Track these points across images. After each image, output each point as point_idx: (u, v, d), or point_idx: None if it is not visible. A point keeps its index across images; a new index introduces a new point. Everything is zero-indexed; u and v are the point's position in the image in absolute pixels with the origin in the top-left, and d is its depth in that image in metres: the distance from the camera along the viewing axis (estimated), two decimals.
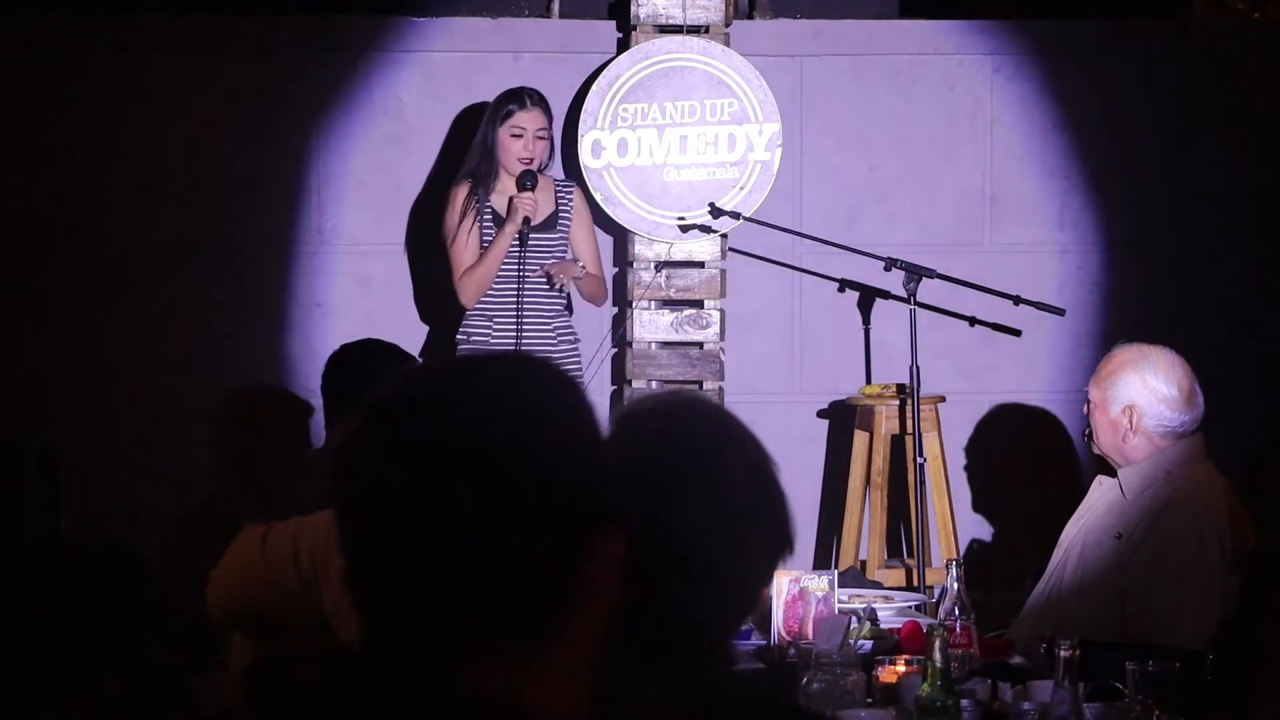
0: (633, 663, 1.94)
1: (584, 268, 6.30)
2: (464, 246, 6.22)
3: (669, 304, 6.70)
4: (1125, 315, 6.87)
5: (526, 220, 6.11)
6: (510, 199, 6.18)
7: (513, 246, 6.16)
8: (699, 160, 6.72)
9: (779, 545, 2.17)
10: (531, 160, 6.18)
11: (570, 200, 6.36)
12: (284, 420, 6.65)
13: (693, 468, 2.12)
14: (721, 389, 6.73)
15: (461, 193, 6.27)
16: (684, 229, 6.70)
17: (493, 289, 6.20)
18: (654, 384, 6.63)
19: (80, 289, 6.73)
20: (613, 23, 6.94)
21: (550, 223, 6.32)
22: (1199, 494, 4.36)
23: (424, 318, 6.82)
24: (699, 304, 6.75)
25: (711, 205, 6.66)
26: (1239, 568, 4.28)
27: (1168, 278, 7.02)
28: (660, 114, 6.70)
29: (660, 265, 6.65)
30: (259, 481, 6.60)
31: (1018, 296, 6.54)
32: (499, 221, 6.22)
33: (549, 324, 6.27)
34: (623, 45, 6.84)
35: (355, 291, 6.82)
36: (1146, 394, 4.40)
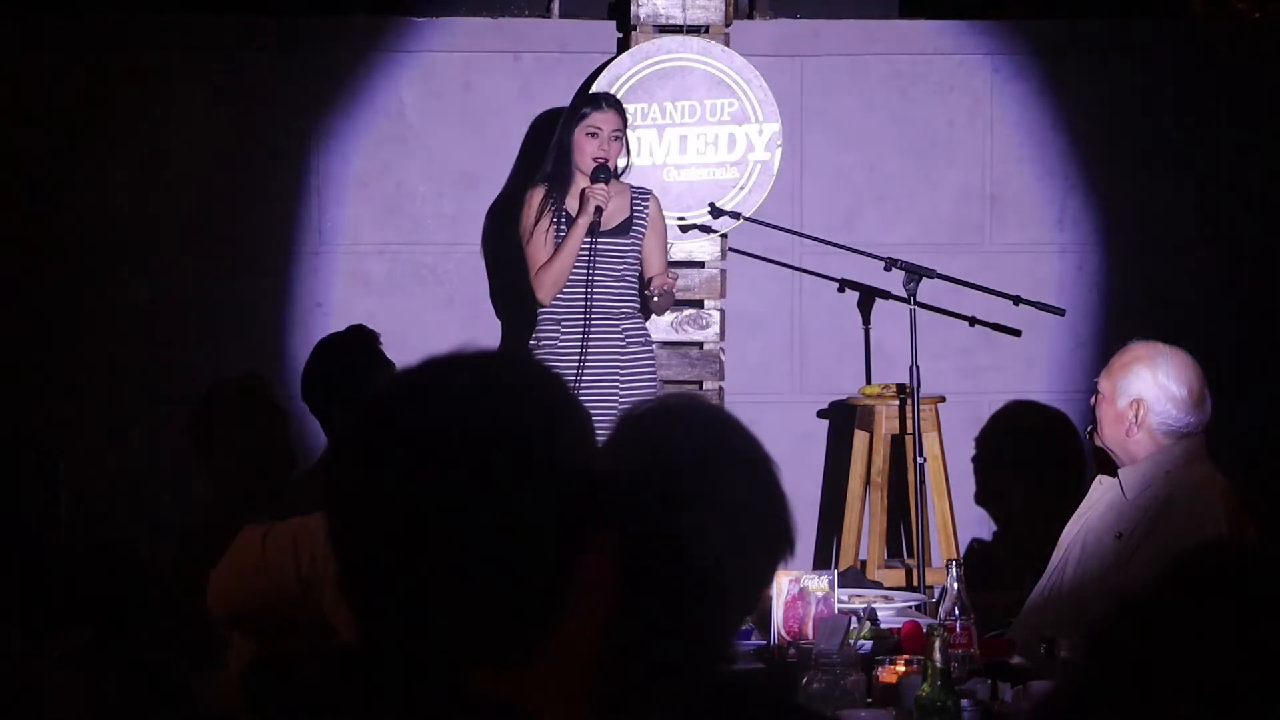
0: (632, 663, 1.94)
1: (675, 278, 6.31)
2: (540, 245, 6.22)
3: None
4: (1125, 315, 6.86)
5: (599, 210, 6.11)
6: (582, 190, 6.19)
7: (582, 251, 6.15)
8: (699, 160, 6.72)
9: (779, 546, 2.17)
10: (606, 159, 6.19)
11: (646, 208, 6.33)
12: (284, 420, 6.65)
13: (693, 469, 2.12)
14: (721, 389, 6.73)
15: (538, 194, 6.28)
16: (684, 229, 6.70)
17: (561, 293, 6.19)
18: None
19: (80, 289, 6.73)
20: (613, 23, 6.94)
21: (624, 228, 6.28)
22: (1199, 494, 4.37)
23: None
24: (699, 304, 6.75)
25: (711, 205, 6.67)
26: None
27: (1167, 278, 7.01)
28: (660, 114, 6.70)
29: None
30: (258, 482, 6.61)
31: (1018, 296, 6.55)
32: (573, 223, 6.21)
33: (617, 326, 6.24)
34: (623, 45, 6.85)
35: (355, 291, 6.82)
36: (1156, 390, 4.42)
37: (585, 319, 6.16)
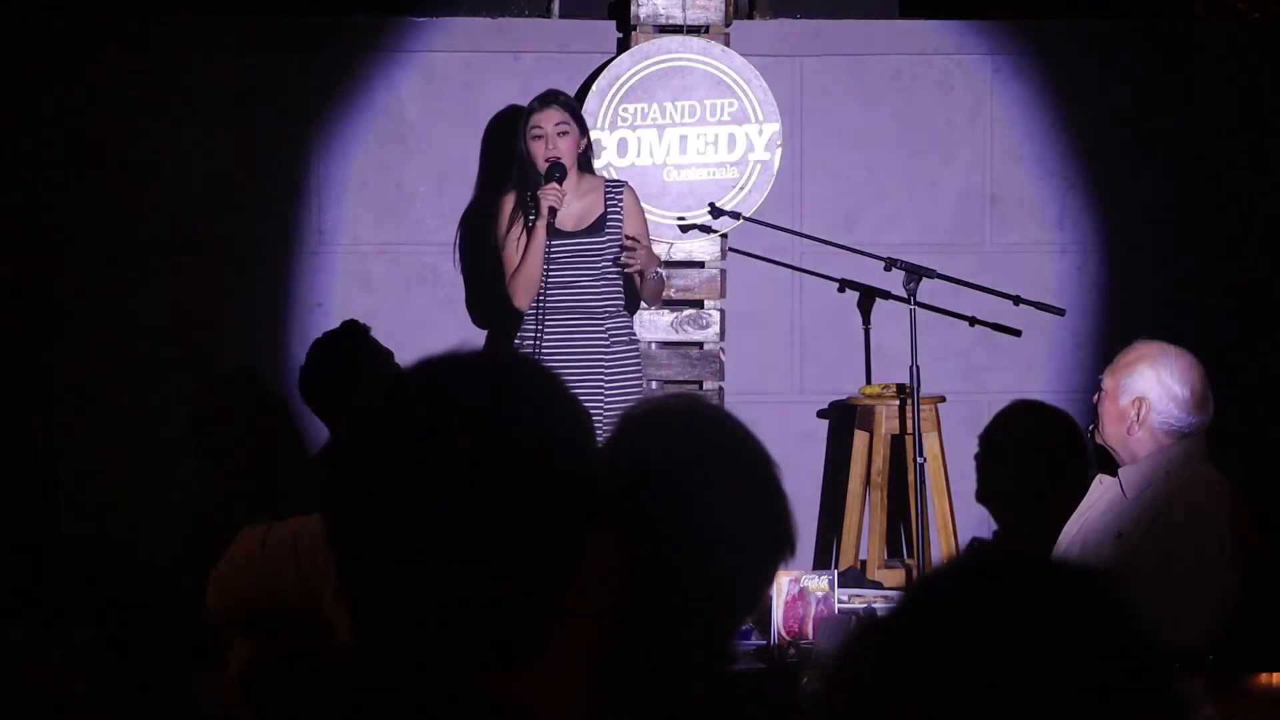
0: (633, 663, 1.94)
1: (660, 269, 6.29)
2: (513, 253, 6.22)
3: (669, 304, 6.70)
4: (1125, 315, 6.87)
5: (552, 211, 6.10)
6: (536, 193, 6.18)
7: (552, 252, 6.14)
8: (699, 160, 6.72)
9: (779, 546, 2.17)
10: (558, 157, 6.17)
11: (620, 200, 6.32)
12: (284, 419, 6.65)
13: (693, 469, 2.12)
14: (721, 389, 6.73)
15: (509, 202, 6.28)
16: (684, 229, 6.70)
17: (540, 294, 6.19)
18: (654, 384, 6.63)
19: (80, 289, 6.72)
20: (613, 23, 6.94)
21: (598, 226, 6.26)
22: (1199, 494, 4.37)
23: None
24: (699, 304, 6.75)
25: (711, 205, 6.66)
26: (1239, 568, 4.29)
27: (1168, 278, 7.01)
28: (660, 114, 6.70)
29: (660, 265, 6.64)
30: (258, 482, 6.61)
31: (1018, 296, 6.55)
32: (532, 227, 6.21)
33: (600, 325, 6.23)
34: (623, 45, 6.85)
35: (355, 291, 6.82)
36: (1159, 389, 4.44)
37: (539, 316, 6.15)
